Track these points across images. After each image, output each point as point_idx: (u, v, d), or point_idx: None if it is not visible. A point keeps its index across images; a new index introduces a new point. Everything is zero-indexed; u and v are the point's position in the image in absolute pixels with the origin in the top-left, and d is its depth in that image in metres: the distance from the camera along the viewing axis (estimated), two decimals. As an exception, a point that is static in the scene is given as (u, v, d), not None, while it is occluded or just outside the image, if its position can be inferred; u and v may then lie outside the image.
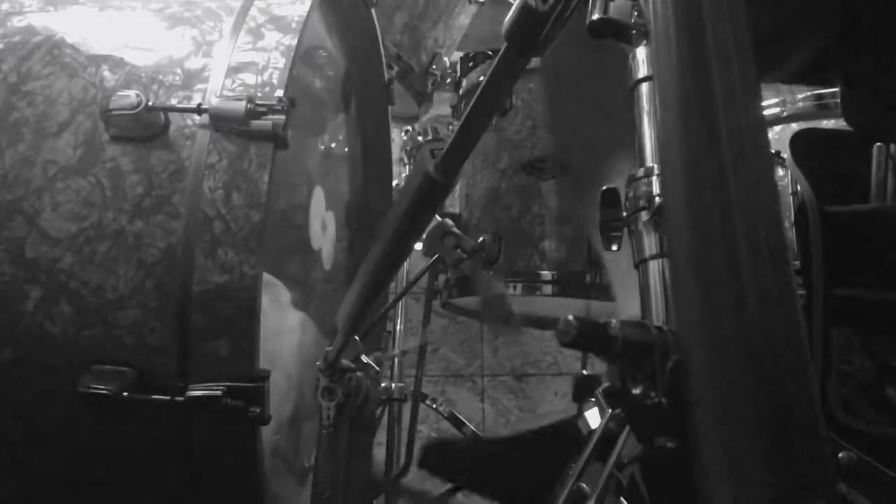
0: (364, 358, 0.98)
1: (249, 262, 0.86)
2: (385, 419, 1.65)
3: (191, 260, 0.86)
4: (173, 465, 0.90)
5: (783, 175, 1.47)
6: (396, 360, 1.68)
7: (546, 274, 1.44)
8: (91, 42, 0.97)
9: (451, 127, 1.80)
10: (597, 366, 2.13)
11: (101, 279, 0.86)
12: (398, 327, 1.72)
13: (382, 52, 1.47)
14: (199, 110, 0.90)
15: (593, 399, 0.48)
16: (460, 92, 1.68)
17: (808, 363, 0.32)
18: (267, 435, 0.91)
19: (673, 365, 0.38)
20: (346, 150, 1.52)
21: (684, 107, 0.35)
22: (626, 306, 0.84)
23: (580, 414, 0.50)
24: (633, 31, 0.52)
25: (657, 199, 0.49)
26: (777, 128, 1.74)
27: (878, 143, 0.92)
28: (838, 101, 0.97)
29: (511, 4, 0.54)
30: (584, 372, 2.09)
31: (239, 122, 0.89)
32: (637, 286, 0.48)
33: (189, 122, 0.91)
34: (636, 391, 0.40)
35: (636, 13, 0.52)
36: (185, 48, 0.97)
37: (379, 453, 1.62)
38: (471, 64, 1.65)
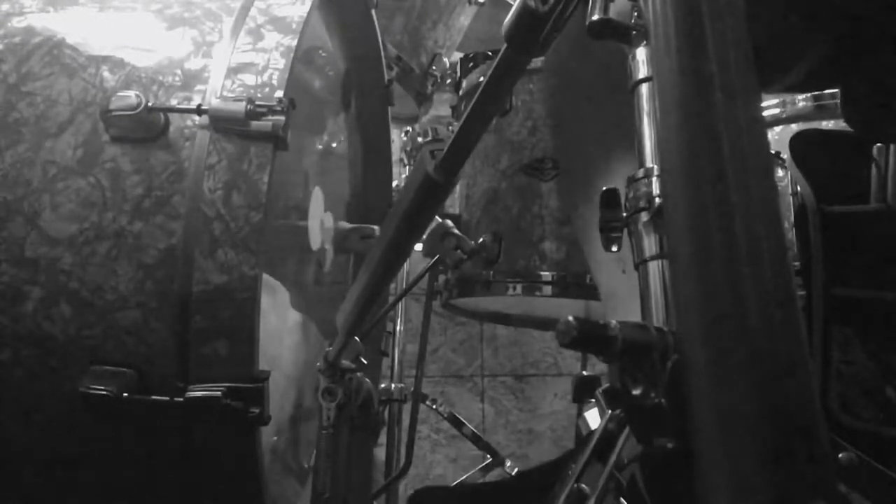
0: (364, 359, 0.99)
1: (249, 262, 0.86)
2: (385, 420, 1.64)
3: (191, 261, 0.86)
4: (173, 465, 0.90)
5: (783, 175, 1.46)
6: (396, 360, 1.68)
7: (546, 275, 1.44)
8: (91, 43, 0.97)
9: (451, 127, 1.80)
10: (597, 366, 2.14)
11: (101, 280, 0.86)
12: (398, 328, 1.72)
13: (382, 53, 1.47)
14: (199, 111, 0.90)
15: (593, 400, 0.48)
16: (460, 93, 1.68)
17: (808, 363, 0.32)
18: (267, 435, 0.91)
19: (673, 365, 0.38)
20: (346, 150, 1.52)
21: (684, 107, 0.35)
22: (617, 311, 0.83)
23: (580, 415, 0.50)
24: (633, 32, 0.52)
25: (657, 199, 0.49)
26: (777, 128, 1.73)
27: (878, 144, 0.92)
28: (838, 101, 0.97)
29: (511, 5, 0.54)
30: (584, 373, 2.09)
31: (239, 123, 0.89)
32: (631, 289, 0.49)
33: (189, 122, 0.91)
34: (636, 392, 0.40)
35: (636, 13, 0.52)
36: (185, 49, 0.97)
37: (379, 454, 1.62)
38: (471, 64, 1.65)
